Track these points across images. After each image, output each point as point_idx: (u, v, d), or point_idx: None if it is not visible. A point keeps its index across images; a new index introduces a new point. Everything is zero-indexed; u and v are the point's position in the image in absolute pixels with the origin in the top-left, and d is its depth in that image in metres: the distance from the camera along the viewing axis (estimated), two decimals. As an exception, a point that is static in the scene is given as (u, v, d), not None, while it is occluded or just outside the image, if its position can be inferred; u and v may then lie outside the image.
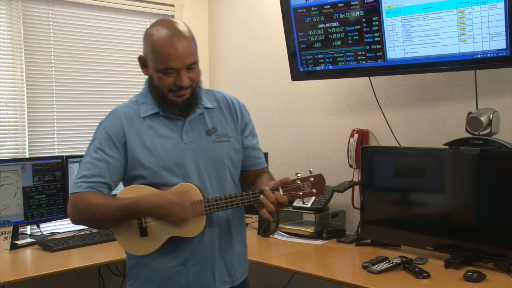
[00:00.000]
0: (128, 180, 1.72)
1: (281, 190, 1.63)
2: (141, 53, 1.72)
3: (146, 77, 1.75)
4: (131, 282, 1.76)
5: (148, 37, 1.67)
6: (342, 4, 2.57)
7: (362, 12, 2.52)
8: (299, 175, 1.65)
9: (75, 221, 1.67)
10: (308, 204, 2.80)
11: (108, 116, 1.73)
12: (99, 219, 1.64)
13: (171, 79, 1.63)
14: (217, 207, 1.64)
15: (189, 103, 1.69)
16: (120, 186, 1.76)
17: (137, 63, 3.58)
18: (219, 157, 1.73)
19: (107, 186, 1.66)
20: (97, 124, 3.51)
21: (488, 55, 2.21)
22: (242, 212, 1.85)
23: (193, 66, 1.65)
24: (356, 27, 2.56)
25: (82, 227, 3.10)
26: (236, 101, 1.85)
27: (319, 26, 2.68)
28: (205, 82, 3.88)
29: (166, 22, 1.67)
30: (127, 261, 1.80)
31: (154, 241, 1.67)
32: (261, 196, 1.63)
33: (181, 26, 1.65)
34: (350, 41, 2.60)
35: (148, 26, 1.72)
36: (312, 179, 1.64)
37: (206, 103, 1.77)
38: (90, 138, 3.48)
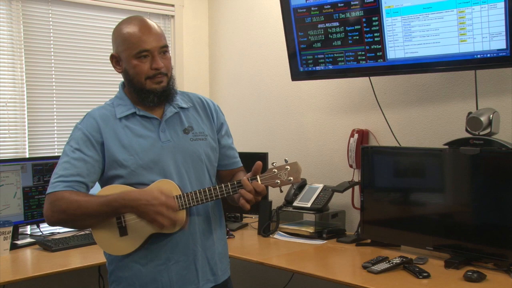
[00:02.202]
0: (106, 181, 1.71)
1: (259, 179, 1.65)
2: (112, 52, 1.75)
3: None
4: (114, 285, 1.75)
5: (117, 32, 1.71)
6: (342, 4, 2.57)
7: (362, 12, 2.52)
8: (275, 164, 1.68)
9: (53, 222, 1.64)
10: (308, 204, 2.81)
11: (83, 118, 1.75)
12: (81, 217, 1.60)
13: (147, 64, 1.66)
14: (196, 200, 1.65)
15: (167, 91, 1.71)
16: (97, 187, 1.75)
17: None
18: (197, 154, 1.75)
19: (85, 186, 1.65)
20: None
21: (488, 55, 2.21)
22: (221, 210, 1.87)
23: (165, 49, 1.70)
24: (356, 27, 2.56)
25: (82, 227, 3.11)
26: (211, 102, 1.89)
27: (319, 26, 2.68)
28: (205, 82, 3.90)
29: (131, 17, 1.75)
30: (107, 267, 1.78)
31: (134, 239, 1.66)
32: (241, 180, 1.64)
33: (146, 18, 1.73)
34: (350, 41, 2.60)
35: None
36: (288, 167, 1.66)
37: (181, 103, 1.79)
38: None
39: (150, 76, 1.67)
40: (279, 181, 1.66)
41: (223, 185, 1.67)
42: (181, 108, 1.79)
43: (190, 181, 1.72)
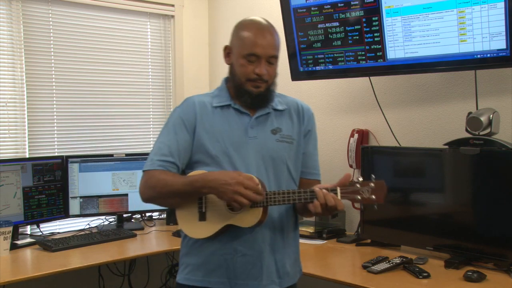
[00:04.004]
0: (190, 165, 1.79)
1: (339, 192, 1.62)
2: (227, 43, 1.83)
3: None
4: (181, 269, 1.82)
5: (238, 27, 1.80)
6: (342, 4, 2.57)
7: (362, 12, 2.52)
8: (360, 179, 1.63)
9: (144, 198, 1.76)
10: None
11: (182, 103, 1.84)
12: (167, 194, 1.72)
13: (252, 67, 1.72)
14: (274, 200, 1.66)
15: (262, 96, 1.77)
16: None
17: (137, 63, 3.63)
18: (279, 155, 1.78)
19: (176, 167, 1.75)
20: (96, 123, 3.51)
21: (488, 55, 2.21)
22: (296, 218, 1.87)
23: (273, 60, 1.75)
24: (356, 27, 2.56)
25: (82, 227, 3.11)
26: (307, 107, 1.91)
27: (319, 26, 2.68)
28: (205, 82, 3.89)
29: (257, 18, 1.80)
30: (181, 249, 1.86)
31: (211, 226, 1.71)
32: (316, 189, 1.62)
33: (270, 24, 1.78)
34: (350, 41, 2.60)
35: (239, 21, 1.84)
36: (372, 184, 1.61)
37: (277, 105, 1.83)
38: (90, 138, 3.48)
39: (251, 79, 1.73)
40: (360, 197, 1.62)
41: (302, 190, 1.66)
42: (275, 109, 1.83)
43: (268, 180, 1.75)
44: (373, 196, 1.61)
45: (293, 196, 1.65)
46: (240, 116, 1.79)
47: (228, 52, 1.81)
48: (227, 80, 1.86)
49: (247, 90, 1.75)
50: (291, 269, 1.82)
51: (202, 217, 1.72)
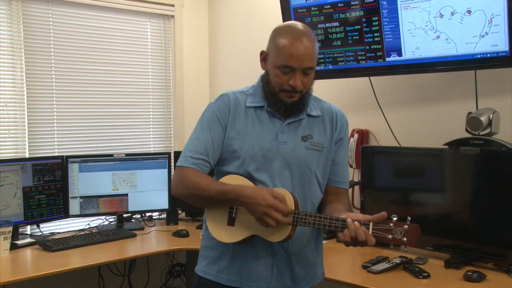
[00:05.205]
0: (218, 161, 1.78)
1: (371, 228, 1.59)
2: (264, 49, 1.79)
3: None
4: (200, 260, 1.86)
5: (275, 34, 1.74)
6: (342, 4, 2.57)
7: (362, 12, 2.52)
8: (395, 218, 1.60)
9: (176, 194, 1.76)
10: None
11: (218, 98, 1.81)
12: (198, 197, 1.71)
13: (286, 78, 1.68)
14: (304, 221, 1.63)
15: (295, 106, 1.74)
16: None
17: (137, 63, 3.62)
18: (307, 163, 1.75)
19: (209, 165, 1.75)
20: (96, 123, 3.50)
21: (488, 55, 2.21)
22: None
23: (309, 71, 1.70)
24: (356, 27, 2.56)
25: (82, 227, 3.11)
26: (341, 115, 1.87)
27: (319, 26, 2.68)
28: (205, 82, 3.89)
29: (294, 24, 1.74)
30: (201, 240, 1.88)
31: (237, 233, 1.71)
32: (348, 220, 1.59)
33: (308, 31, 1.70)
34: (350, 41, 2.60)
35: (277, 25, 1.78)
36: (406, 227, 1.58)
37: (311, 111, 1.80)
38: (90, 138, 3.48)
39: (285, 89, 1.70)
40: (391, 237, 1.58)
41: (334, 218, 1.63)
42: (309, 115, 1.79)
43: (293, 187, 1.73)
44: (405, 239, 1.58)
45: (324, 221, 1.63)
46: (273, 119, 1.76)
47: (264, 57, 1.77)
48: (263, 77, 1.81)
49: (281, 99, 1.72)
50: (308, 273, 1.81)
51: (231, 222, 1.71)
